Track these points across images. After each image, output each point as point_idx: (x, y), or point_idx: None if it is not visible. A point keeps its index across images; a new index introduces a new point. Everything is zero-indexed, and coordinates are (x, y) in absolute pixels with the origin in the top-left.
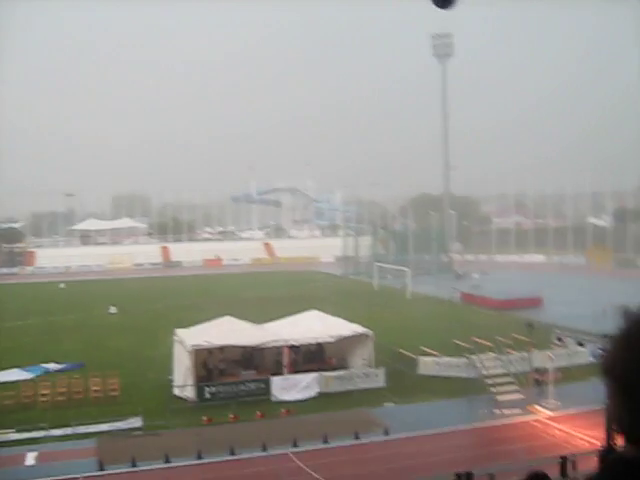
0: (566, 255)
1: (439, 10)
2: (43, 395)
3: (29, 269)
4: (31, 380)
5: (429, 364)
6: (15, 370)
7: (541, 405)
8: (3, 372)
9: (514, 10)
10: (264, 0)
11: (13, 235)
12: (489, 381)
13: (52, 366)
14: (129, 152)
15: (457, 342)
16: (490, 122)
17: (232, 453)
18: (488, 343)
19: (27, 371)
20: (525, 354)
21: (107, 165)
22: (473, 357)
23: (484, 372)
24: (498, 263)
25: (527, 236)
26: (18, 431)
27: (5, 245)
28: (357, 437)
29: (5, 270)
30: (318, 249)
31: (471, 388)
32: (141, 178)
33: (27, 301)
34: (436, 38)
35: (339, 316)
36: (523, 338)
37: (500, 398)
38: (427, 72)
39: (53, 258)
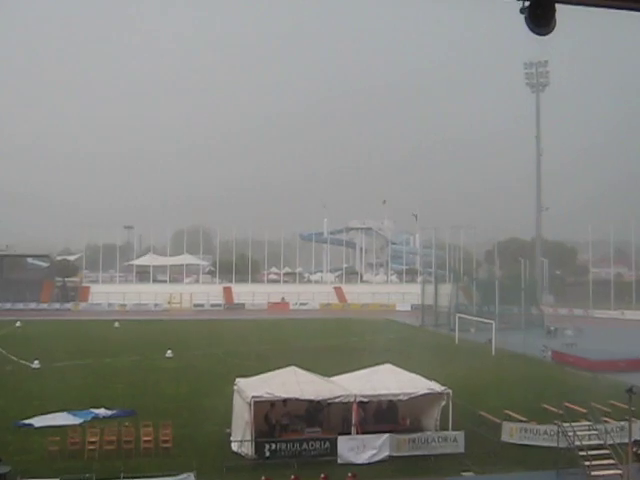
0: None
1: (535, 36)
2: (91, 443)
3: (83, 305)
4: (79, 425)
5: (514, 430)
6: (63, 414)
7: None
8: (50, 415)
9: (613, 36)
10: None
11: (67, 268)
12: (582, 453)
13: (102, 412)
14: (192, 185)
15: (547, 407)
16: (588, 160)
17: None
18: (582, 409)
19: (75, 416)
20: (624, 424)
21: (169, 198)
22: (564, 424)
23: (577, 442)
24: (595, 319)
25: (629, 289)
26: None
27: (59, 279)
28: None
29: (58, 306)
30: (394, 296)
31: (561, 459)
32: (204, 213)
33: (79, 340)
34: (530, 66)
35: (415, 371)
36: (622, 405)
37: (594, 473)
38: (518, 103)
39: (108, 294)
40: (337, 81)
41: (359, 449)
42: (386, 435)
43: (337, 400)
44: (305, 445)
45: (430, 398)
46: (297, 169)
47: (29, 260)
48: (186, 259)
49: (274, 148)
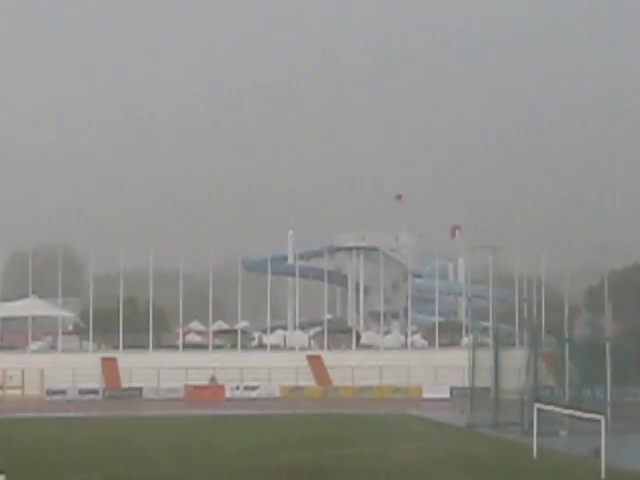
0: None
1: None
2: None
3: None
4: None
5: None
6: None
7: None
8: None
9: None
10: None
11: None
12: None
13: None
14: (43, 176)
15: None
16: None
17: None
18: None
19: None
20: None
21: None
22: None
23: None
24: None
25: None
26: None
27: None
28: None
29: None
30: (419, 372)
31: None
32: (65, 224)
33: None
34: None
35: None
36: None
37: None
38: None
39: None
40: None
41: None
42: None
43: None
44: None
45: None
46: (238, 143)
47: None
48: (32, 306)
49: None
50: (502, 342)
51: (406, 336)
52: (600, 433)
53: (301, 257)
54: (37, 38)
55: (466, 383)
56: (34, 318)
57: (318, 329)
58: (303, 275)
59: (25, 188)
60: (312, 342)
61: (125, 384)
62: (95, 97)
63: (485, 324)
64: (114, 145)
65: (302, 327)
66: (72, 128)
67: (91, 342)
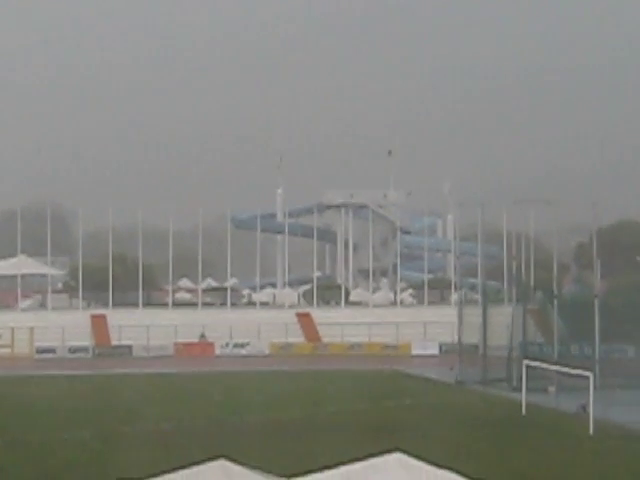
0: None
1: None
2: None
3: None
4: None
5: None
6: None
7: None
8: None
9: None
10: None
11: None
12: None
13: None
14: (30, 133)
15: None
16: None
17: None
18: None
19: None
20: None
21: None
22: None
23: None
24: None
25: None
26: None
27: None
28: None
29: None
30: (408, 328)
31: None
32: (54, 182)
33: None
34: None
35: (449, 466)
36: None
37: None
38: None
39: None
40: None
41: None
42: None
43: None
44: None
45: None
46: (227, 101)
47: None
48: (22, 265)
49: (185, 68)
50: (491, 299)
51: (395, 293)
52: (588, 389)
53: (290, 215)
54: None
55: (455, 340)
56: (23, 276)
57: (307, 286)
58: (292, 232)
59: (12, 146)
60: (301, 299)
61: (115, 342)
62: (82, 51)
63: (474, 281)
64: (101, 102)
65: (291, 284)
66: (59, 85)
67: (81, 300)
